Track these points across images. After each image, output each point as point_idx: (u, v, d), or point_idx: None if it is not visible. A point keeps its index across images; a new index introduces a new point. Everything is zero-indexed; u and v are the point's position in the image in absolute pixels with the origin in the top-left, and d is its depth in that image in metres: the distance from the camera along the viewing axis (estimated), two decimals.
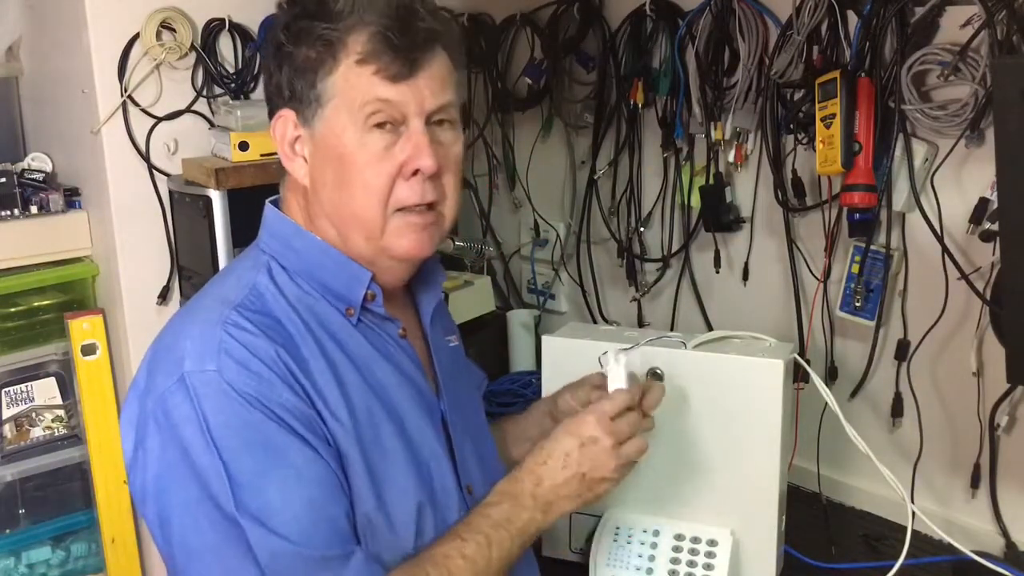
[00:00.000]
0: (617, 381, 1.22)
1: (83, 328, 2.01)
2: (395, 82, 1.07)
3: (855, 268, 1.64)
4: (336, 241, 1.14)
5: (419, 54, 1.08)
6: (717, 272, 1.93)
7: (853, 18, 1.57)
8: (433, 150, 1.09)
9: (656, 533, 1.44)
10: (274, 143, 1.15)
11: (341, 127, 1.08)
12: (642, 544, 1.43)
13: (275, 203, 1.20)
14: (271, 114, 1.15)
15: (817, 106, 1.57)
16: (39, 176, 2.08)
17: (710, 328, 1.93)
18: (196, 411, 1.01)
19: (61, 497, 2.10)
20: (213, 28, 1.99)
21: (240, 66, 2.03)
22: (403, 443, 1.13)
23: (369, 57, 1.06)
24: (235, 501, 1.00)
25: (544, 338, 1.55)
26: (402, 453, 1.12)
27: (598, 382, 1.31)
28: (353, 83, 1.07)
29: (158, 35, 1.91)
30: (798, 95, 1.67)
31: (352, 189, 1.09)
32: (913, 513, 1.38)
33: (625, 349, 1.25)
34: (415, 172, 1.09)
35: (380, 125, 1.08)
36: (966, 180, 1.51)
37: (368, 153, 1.08)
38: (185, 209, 1.92)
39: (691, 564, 1.40)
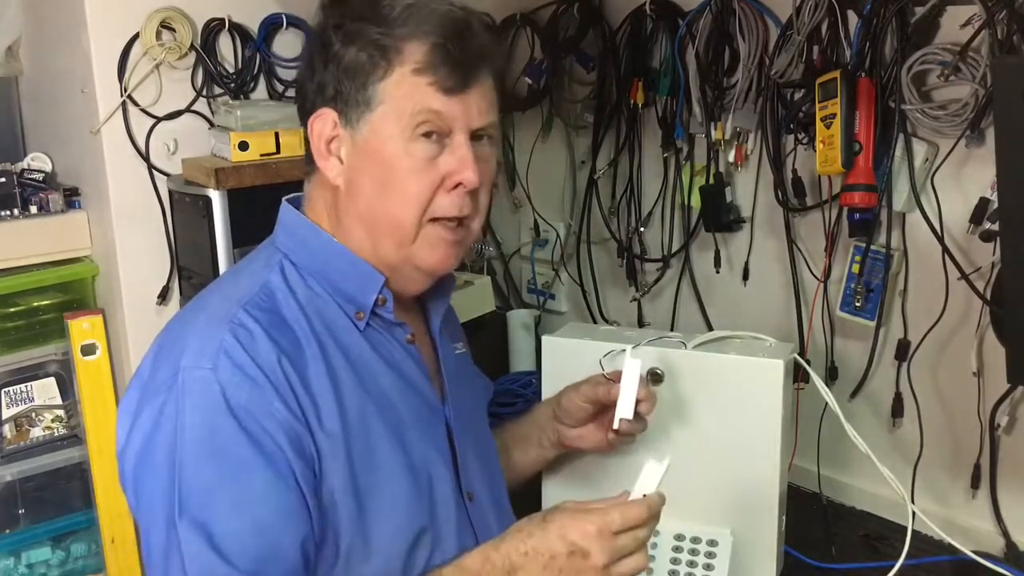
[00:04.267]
0: (647, 485, 1.09)
1: (83, 328, 2.00)
2: (448, 95, 1.08)
3: (855, 268, 1.64)
4: (362, 243, 1.13)
5: (474, 70, 1.09)
6: (717, 272, 1.92)
7: (853, 18, 1.57)
8: (476, 165, 1.10)
9: (656, 533, 1.42)
10: (311, 140, 1.14)
11: (388, 133, 1.08)
12: None
13: (293, 201, 1.20)
14: (306, 111, 1.14)
15: (817, 106, 1.56)
16: (39, 176, 2.07)
17: (710, 328, 1.93)
18: (177, 408, 1.00)
19: (61, 497, 2.10)
20: (213, 28, 1.98)
21: (240, 66, 2.03)
22: (400, 452, 1.12)
23: (427, 68, 1.07)
24: (180, 508, 0.98)
25: (544, 338, 1.55)
26: (397, 462, 1.11)
27: (601, 381, 1.32)
28: (406, 91, 1.08)
29: (158, 35, 1.91)
30: (798, 95, 1.67)
31: (392, 194, 1.10)
32: (913, 513, 1.38)
33: (660, 463, 1.09)
34: (456, 185, 1.10)
35: (427, 135, 1.08)
36: (966, 180, 1.51)
37: (412, 161, 1.09)
38: (185, 209, 1.92)
39: (691, 564, 1.40)
